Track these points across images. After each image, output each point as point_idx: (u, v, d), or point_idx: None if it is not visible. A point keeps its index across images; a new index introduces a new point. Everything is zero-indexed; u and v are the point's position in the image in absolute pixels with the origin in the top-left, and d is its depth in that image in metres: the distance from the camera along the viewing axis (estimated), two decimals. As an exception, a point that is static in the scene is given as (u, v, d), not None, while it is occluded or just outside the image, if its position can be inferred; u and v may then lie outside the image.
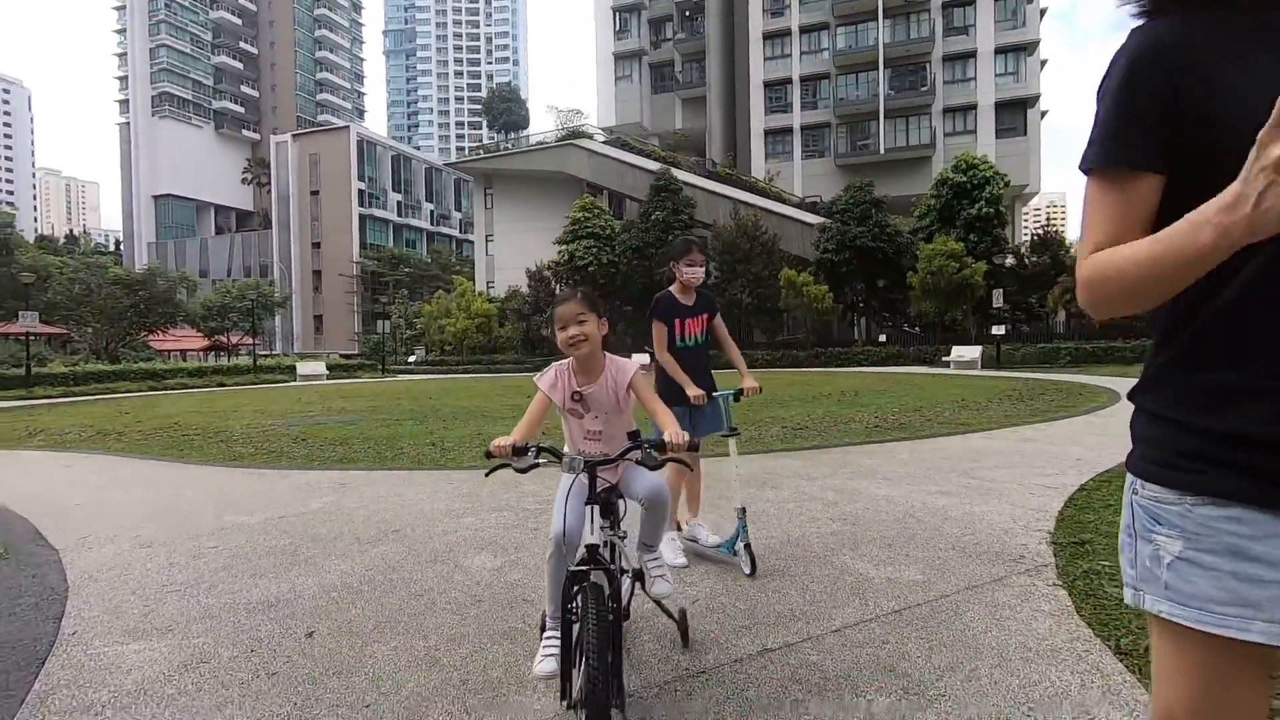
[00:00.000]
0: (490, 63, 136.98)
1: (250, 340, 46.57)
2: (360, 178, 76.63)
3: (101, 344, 37.21)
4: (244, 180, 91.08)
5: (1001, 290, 26.67)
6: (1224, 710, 0.86)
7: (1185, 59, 0.83)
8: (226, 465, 7.18)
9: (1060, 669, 2.29)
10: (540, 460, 1.99)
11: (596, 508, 1.97)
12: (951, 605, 2.88)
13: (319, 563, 3.69)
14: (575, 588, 1.88)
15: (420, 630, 2.76)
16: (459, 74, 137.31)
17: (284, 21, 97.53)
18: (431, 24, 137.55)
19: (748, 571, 3.29)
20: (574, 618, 1.87)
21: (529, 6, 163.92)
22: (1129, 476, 0.96)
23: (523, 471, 1.99)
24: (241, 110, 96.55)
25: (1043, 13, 41.22)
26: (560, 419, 2.34)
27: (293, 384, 28.10)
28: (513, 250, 45.59)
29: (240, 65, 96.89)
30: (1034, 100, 39.58)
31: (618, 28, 50.48)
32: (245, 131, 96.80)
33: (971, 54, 40.13)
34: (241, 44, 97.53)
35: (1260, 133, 0.66)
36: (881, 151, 41.39)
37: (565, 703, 1.90)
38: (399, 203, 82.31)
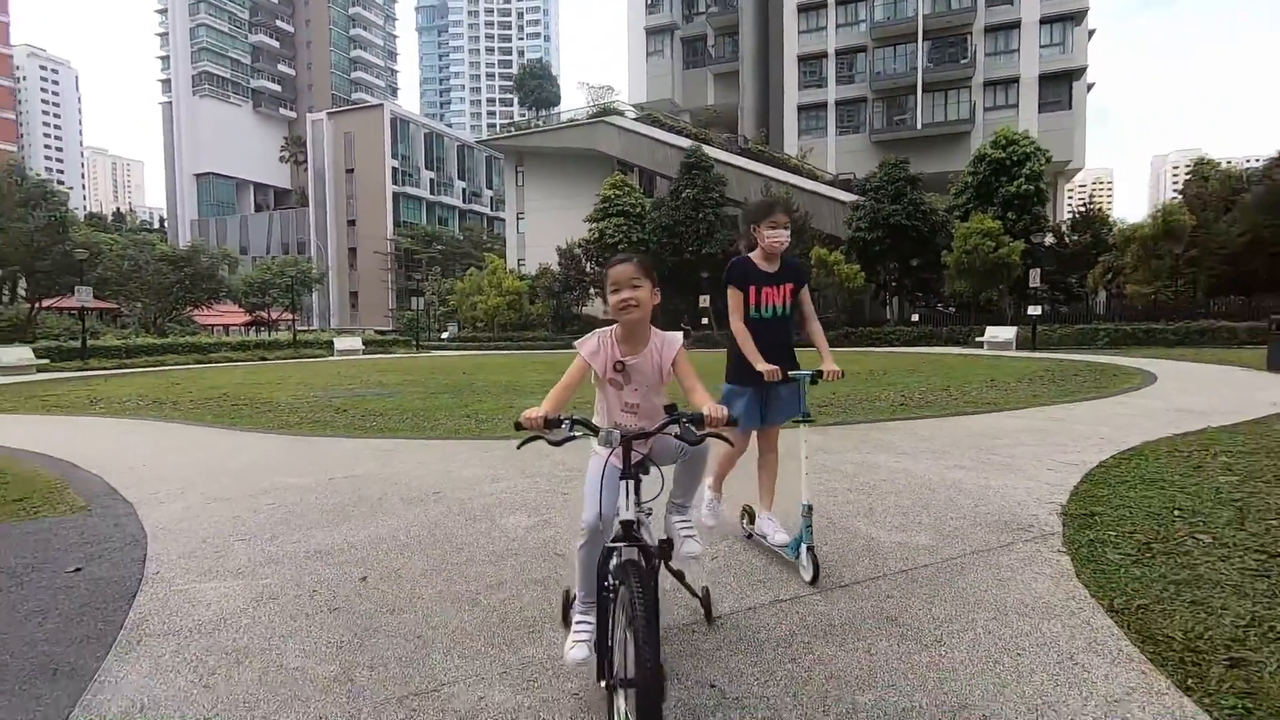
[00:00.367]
0: (522, 38, 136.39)
1: (290, 316, 47.87)
2: (394, 155, 77.52)
3: (150, 318, 38.65)
4: (281, 158, 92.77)
5: (1039, 270, 26.08)
6: None
7: None
8: (275, 433, 7.59)
9: (1052, 622, 2.46)
10: (575, 433, 1.93)
11: (632, 483, 1.92)
12: (956, 566, 3.05)
13: (368, 519, 4.00)
14: (612, 565, 1.87)
15: (462, 577, 3.04)
16: (490, 50, 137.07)
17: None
18: (463, 0, 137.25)
19: (808, 579, 2.86)
20: (611, 595, 1.84)
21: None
22: None
23: (556, 444, 1.93)
24: (278, 89, 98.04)
25: (1092, -21, 39.58)
26: (595, 390, 2.26)
27: (331, 358, 28.93)
28: (543, 228, 45.87)
29: (277, 44, 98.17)
30: (1080, 72, 38.19)
31: (650, 2, 49.85)
32: (282, 110, 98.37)
33: (1015, 24, 38.79)
34: (278, 22, 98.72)
35: None
36: (919, 127, 40.45)
37: (604, 683, 1.88)
38: (431, 180, 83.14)
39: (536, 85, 65.20)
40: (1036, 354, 20.97)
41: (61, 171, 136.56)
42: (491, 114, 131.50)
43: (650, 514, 2.05)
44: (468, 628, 2.52)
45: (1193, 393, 9.35)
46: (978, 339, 25.44)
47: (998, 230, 27.62)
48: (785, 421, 3.24)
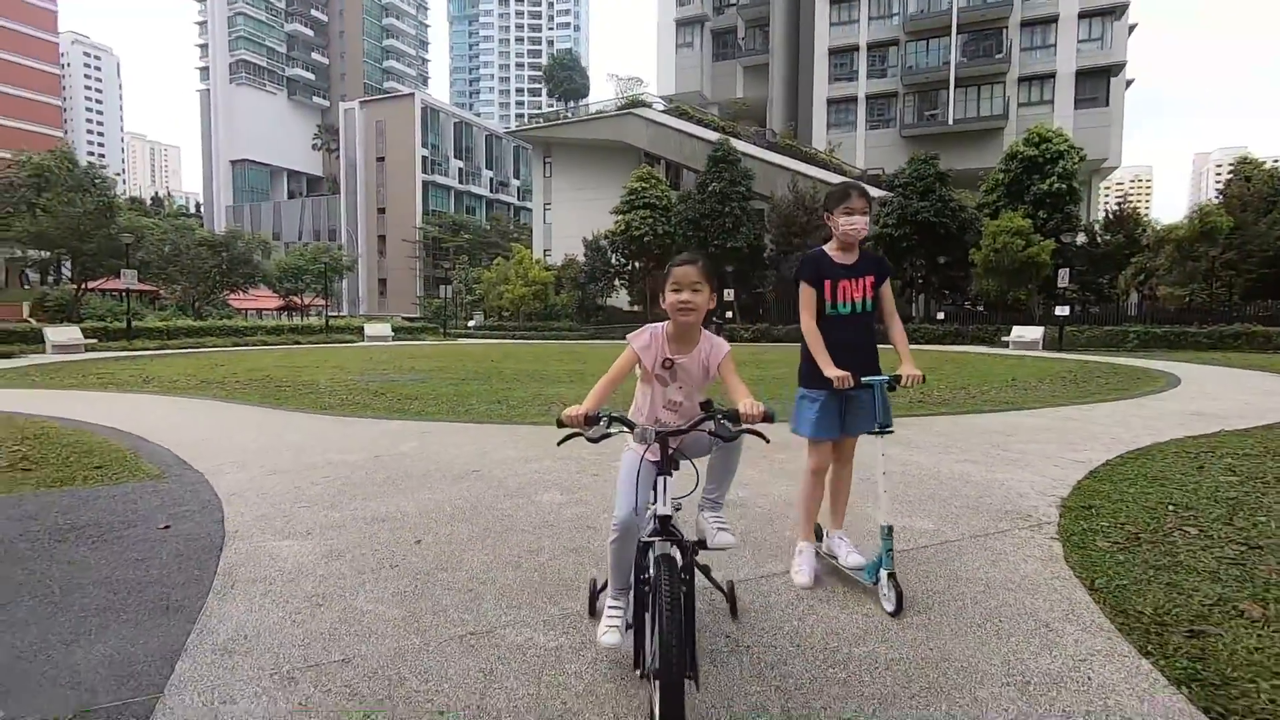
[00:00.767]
0: (552, 29, 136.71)
1: (322, 301, 48.99)
2: (424, 144, 78.47)
3: (189, 301, 39.87)
4: (314, 146, 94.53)
5: (1069, 270, 25.79)
6: None
7: None
8: (319, 413, 8.05)
9: (1035, 597, 2.74)
10: (612, 430, 1.97)
11: (668, 479, 1.95)
12: (953, 548, 3.33)
13: (415, 492, 4.38)
14: (648, 558, 1.90)
15: (505, 544, 3.39)
16: (520, 40, 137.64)
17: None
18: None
19: (890, 610, 2.57)
20: (647, 588, 1.88)
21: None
22: None
23: (594, 441, 1.95)
24: (312, 77, 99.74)
25: (1135, -27, 38.67)
26: (637, 385, 2.30)
27: (361, 344, 29.69)
28: (570, 219, 46.26)
29: (311, 33, 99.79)
30: (1119, 68, 37.42)
31: (680, -7, 49.78)
32: (315, 98, 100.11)
33: (1053, 19, 38.09)
34: (313, 11, 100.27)
35: None
36: (950, 122, 39.99)
37: (639, 672, 1.96)
38: (460, 169, 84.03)
39: (566, 76, 65.55)
40: (1063, 355, 20.85)
41: (103, 156, 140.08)
42: (520, 104, 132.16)
43: (679, 509, 2.03)
44: (513, 584, 2.87)
45: (1214, 397, 9.40)
46: (1003, 338, 25.30)
47: (1028, 229, 27.35)
48: (864, 432, 2.94)
